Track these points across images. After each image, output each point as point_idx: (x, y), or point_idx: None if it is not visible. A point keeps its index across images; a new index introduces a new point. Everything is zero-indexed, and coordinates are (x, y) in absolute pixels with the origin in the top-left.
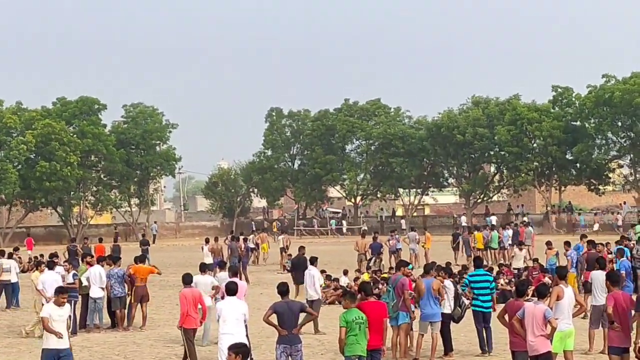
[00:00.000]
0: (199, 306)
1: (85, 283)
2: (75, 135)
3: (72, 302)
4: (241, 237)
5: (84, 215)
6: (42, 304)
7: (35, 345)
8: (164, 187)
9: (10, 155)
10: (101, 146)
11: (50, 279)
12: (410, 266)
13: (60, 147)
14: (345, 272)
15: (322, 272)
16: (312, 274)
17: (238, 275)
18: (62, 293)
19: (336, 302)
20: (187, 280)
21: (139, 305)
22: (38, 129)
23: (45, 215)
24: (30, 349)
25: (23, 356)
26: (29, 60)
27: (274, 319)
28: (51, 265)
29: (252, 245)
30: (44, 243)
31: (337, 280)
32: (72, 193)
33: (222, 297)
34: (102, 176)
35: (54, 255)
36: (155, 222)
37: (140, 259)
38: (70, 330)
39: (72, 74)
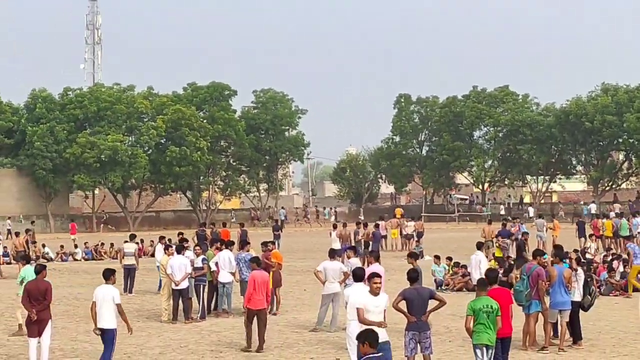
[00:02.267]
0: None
1: (213, 268)
2: (205, 121)
3: (201, 286)
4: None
5: (213, 200)
6: (172, 288)
7: (165, 329)
8: (293, 172)
9: (140, 140)
10: (231, 131)
11: (178, 263)
12: (546, 255)
13: (190, 132)
14: None
15: (449, 259)
16: (479, 258)
17: (378, 261)
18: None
19: (464, 289)
20: (256, 261)
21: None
22: (168, 114)
23: (175, 200)
24: (159, 333)
25: (152, 339)
26: (160, 45)
27: (403, 305)
28: (180, 250)
29: (383, 232)
30: (173, 227)
31: (464, 267)
32: (201, 178)
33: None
34: (231, 161)
35: (184, 239)
36: (282, 208)
37: (272, 243)
38: (199, 315)
39: (203, 60)
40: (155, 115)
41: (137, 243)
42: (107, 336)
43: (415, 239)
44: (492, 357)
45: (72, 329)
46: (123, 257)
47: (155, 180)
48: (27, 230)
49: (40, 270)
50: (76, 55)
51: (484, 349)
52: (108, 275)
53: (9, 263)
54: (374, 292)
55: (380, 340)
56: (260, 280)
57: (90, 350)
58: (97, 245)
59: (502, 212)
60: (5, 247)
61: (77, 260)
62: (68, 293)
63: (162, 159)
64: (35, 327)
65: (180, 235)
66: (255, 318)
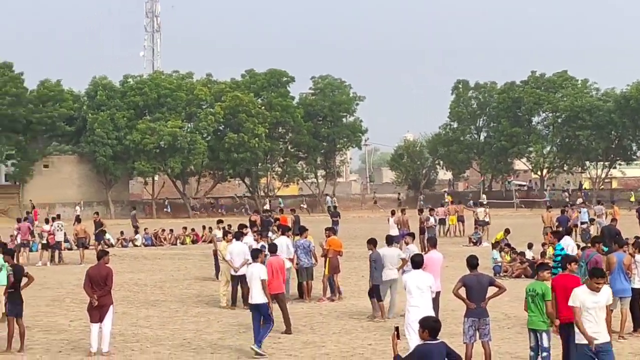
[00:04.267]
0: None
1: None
2: (263, 107)
3: None
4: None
5: (271, 187)
6: (231, 274)
7: (224, 315)
8: (350, 158)
9: (199, 127)
10: (289, 118)
11: (237, 249)
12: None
13: (248, 118)
14: (530, 246)
15: (507, 245)
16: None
17: (435, 247)
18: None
19: (522, 276)
20: (272, 249)
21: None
22: (227, 101)
23: (233, 186)
24: (218, 319)
25: (212, 325)
26: (219, 31)
27: (462, 292)
28: (239, 236)
29: (442, 217)
30: (231, 214)
31: (522, 254)
32: (259, 164)
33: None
34: (289, 148)
35: (243, 226)
36: (328, 195)
37: (332, 230)
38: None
39: (261, 46)
40: (213, 102)
41: (223, 228)
42: (262, 311)
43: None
44: (546, 341)
45: (132, 315)
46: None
47: (214, 166)
48: (95, 213)
49: (102, 255)
50: (136, 43)
51: (531, 333)
52: (256, 254)
53: (70, 249)
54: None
55: (602, 341)
56: (277, 265)
57: (151, 336)
58: (157, 231)
59: (579, 200)
60: (65, 233)
61: (137, 246)
62: (128, 279)
63: (220, 145)
64: (96, 312)
65: (260, 215)
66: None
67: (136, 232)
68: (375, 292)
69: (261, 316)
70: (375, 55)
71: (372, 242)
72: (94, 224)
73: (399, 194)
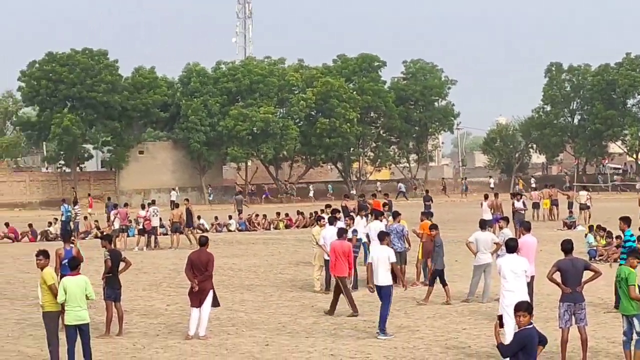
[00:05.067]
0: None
1: (364, 240)
2: (354, 92)
3: (352, 257)
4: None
5: (363, 171)
6: (324, 258)
7: (318, 299)
8: (442, 143)
9: (291, 112)
10: (380, 102)
11: (331, 234)
12: None
13: (339, 103)
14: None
15: (602, 229)
16: None
17: (529, 232)
18: None
19: (618, 260)
20: (340, 233)
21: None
22: (318, 86)
23: (326, 171)
24: (312, 303)
25: (306, 309)
26: (310, 17)
27: (557, 276)
28: (332, 221)
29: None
30: (324, 199)
31: (618, 237)
32: (351, 149)
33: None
34: (381, 132)
35: (336, 210)
36: (399, 183)
37: (427, 214)
38: (351, 286)
39: (353, 31)
40: (305, 88)
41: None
42: (384, 292)
43: (568, 209)
44: (638, 325)
45: (228, 299)
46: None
47: (306, 151)
48: (186, 200)
49: (204, 242)
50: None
51: (623, 317)
52: (382, 237)
53: (165, 234)
54: None
55: None
56: (340, 250)
57: (246, 320)
58: (251, 216)
59: None
60: (161, 219)
61: (231, 231)
62: (223, 263)
63: (312, 130)
64: (197, 296)
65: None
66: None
67: (240, 215)
68: (440, 277)
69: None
70: (467, 38)
71: (435, 228)
72: (185, 210)
73: (492, 177)
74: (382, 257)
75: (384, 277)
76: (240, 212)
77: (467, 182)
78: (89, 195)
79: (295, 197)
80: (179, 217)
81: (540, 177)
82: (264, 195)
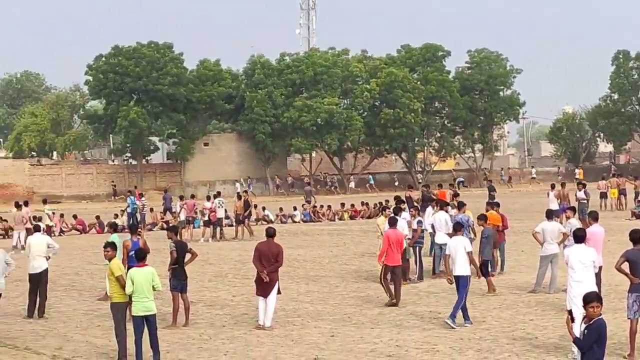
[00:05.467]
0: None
1: (430, 230)
2: (419, 82)
3: (417, 247)
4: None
5: (428, 161)
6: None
7: (383, 290)
8: (508, 132)
9: (355, 103)
10: (445, 92)
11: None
12: None
13: (403, 94)
14: None
15: None
16: None
17: (597, 221)
18: None
19: None
20: (392, 222)
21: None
22: (382, 76)
23: (390, 162)
24: (378, 294)
25: (372, 300)
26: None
27: (625, 267)
28: (396, 211)
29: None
30: (389, 189)
31: None
32: (416, 139)
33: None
34: (445, 122)
35: (401, 201)
36: (455, 172)
37: (493, 205)
38: (416, 276)
39: (417, 21)
40: (369, 78)
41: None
42: (461, 282)
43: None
44: None
45: (293, 290)
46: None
47: (370, 142)
48: (244, 192)
49: (272, 233)
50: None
51: None
52: (458, 227)
53: (231, 225)
54: None
55: None
56: (394, 238)
57: (312, 311)
58: (316, 207)
59: None
60: (226, 210)
61: (295, 222)
62: (288, 254)
63: (376, 121)
64: (264, 287)
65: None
66: (390, 274)
67: (304, 206)
68: (484, 268)
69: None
70: (532, 27)
71: (482, 218)
72: (243, 202)
73: (559, 167)
74: (459, 247)
75: (461, 267)
76: (309, 202)
77: (534, 171)
78: (135, 187)
79: (337, 190)
80: (241, 207)
81: (607, 166)
82: (330, 187)
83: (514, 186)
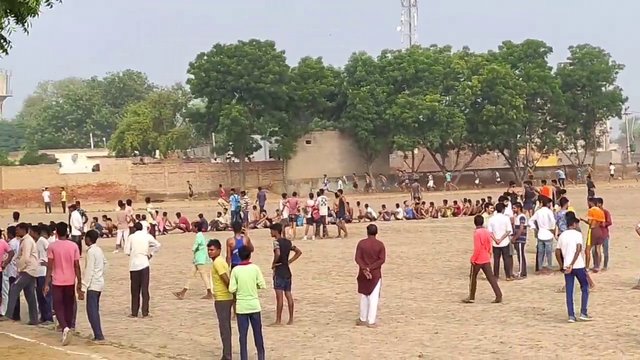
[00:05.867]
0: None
1: (532, 226)
2: (520, 79)
3: (520, 244)
4: None
5: (530, 158)
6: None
7: (486, 287)
8: (610, 128)
9: (457, 100)
10: (547, 89)
11: (499, 222)
12: None
13: (505, 90)
14: None
15: None
16: None
17: None
18: None
19: None
20: (479, 221)
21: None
22: (484, 73)
23: (492, 158)
24: (481, 290)
25: (474, 297)
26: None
27: None
28: (499, 208)
29: None
30: (490, 186)
31: None
32: (518, 136)
33: None
34: (547, 118)
35: (504, 197)
36: (559, 169)
37: (596, 200)
38: (520, 273)
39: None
40: (470, 75)
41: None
42: (580, 276)
43: None
44: None
45: (396, 287)
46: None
47: (472, 139)
48: (339, 191)
49: (374, 230)
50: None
51: None
52: (571, 221)
53: (334, 223)
54: None
55: None
56: (484, 237)
57: (415, 308)
58: (418, 204)
59: None
60: (329, 208)
61: (398, 219)
62: (391, 252)
63: (478, 117)
64: (366, 284)
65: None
66: (480, 272)
67: (406, 202)
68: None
69: (577, 282)
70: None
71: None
72: (339, 201)
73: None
74: (571, 241)
75: (577, 261)
76: (417, 199)
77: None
78: (220, 185)
79: (453, 185)
80: (336, 206)
81: None
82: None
83: (617, 181)
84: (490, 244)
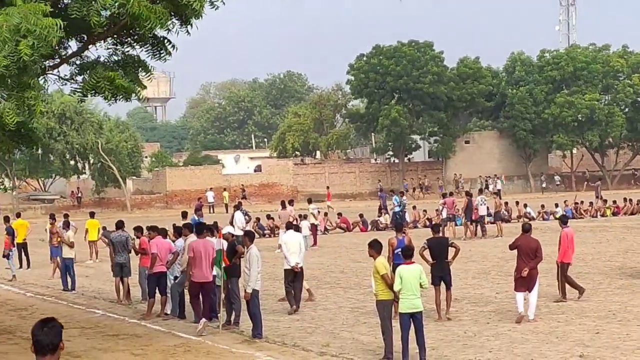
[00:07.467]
0: None
1: None
2: None
3: None
4: None
5: None
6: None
7: None
8: None
9: (617, 99)
10: None
11: None
12: None
13: None
14: None
15: None
16: None
17: None
18: None
19: None
20: (565, 220)
21: None
22: None
23: None
24: None
25: (636, 298)
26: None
27: None
28: None
29: None
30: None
31: None
32: None
33: None
34: None
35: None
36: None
37: None
38: None
39: None
40: (631, 74)
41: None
42: None
43: None
44: None
45: (555, 287)
46: None
47: (633, 138)
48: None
49: (528, 228)
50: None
51: None
52: None
53: (492, 222)
54: None
55: None
56: (571, 236)
57: (576, 307)
58: (577, 203)
59: None
60: (488, 207)
61: (557, 219)
62: (551, 251)
63: (639, 116)
64: (524, 282)
65: None
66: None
67: (572, 203)
68: None
69: None
70: None
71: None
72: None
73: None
74: None
75: None
76: (600, 198)
77: None
78: (327, 187)
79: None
80: (500, 205)
81: None
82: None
83: None
84: (574, 243)
